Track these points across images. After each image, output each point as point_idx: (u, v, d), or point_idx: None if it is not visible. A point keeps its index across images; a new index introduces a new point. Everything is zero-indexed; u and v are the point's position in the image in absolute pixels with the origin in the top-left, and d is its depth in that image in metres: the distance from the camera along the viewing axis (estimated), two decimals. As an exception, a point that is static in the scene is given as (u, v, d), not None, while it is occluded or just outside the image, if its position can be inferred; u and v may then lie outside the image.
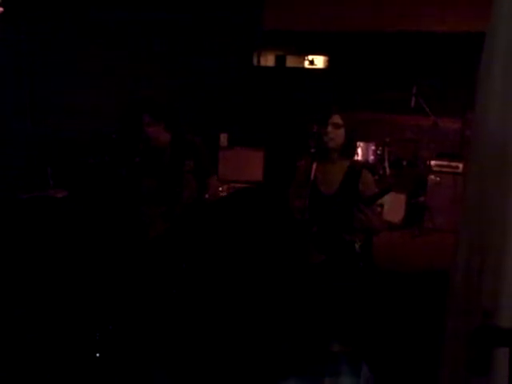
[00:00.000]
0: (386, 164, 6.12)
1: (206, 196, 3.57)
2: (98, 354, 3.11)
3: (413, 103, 6.12)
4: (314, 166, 2.98)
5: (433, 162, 6.04)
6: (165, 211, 3.46)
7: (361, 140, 6.00)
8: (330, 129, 3.00)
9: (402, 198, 6.00)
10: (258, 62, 7.93)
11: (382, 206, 5.52)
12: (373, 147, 6.18)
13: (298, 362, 2.42)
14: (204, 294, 3.64)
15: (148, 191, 3.58)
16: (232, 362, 3.02)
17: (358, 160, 5.71)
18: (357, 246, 3.01)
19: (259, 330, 3.07)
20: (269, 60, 8.06)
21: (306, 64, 7.84)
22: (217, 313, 3.54)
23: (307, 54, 7.81)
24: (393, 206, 5.82)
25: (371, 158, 6.19)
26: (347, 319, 2.84)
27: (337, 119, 3.02)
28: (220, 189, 4.56)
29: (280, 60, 8.00)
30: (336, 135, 3.01)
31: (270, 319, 3.08)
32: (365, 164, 5.76)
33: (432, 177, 6.01)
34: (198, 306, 3.52)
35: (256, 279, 3.69)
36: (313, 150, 3.00)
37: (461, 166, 5.72)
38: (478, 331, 1.79)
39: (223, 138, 6.89)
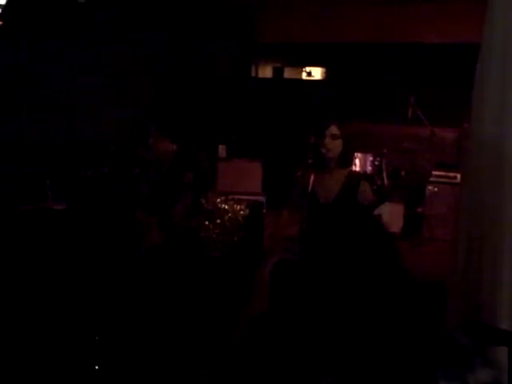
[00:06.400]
0: (384, 174, 6.12)
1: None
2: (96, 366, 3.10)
3: (410, 114, 6.15)
4: (312, 176, 3.00)
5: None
6: (160, 220, 3.46)
7: (358, 151, 6.01)
8: (327, 140, 3.02)
9: (401, 208, 6.01)
10: (256, 73, 7.96)
11: (380, 216, 5.52)
12: (370, 158, 6.18)
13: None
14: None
15: (144, 198, 3.58)
16: None
17: (355, 170, 5.72)
18: None
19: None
20: (266, 71, 8.10)
21: (304, 75, 7.89)
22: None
23: (305, 66, 7.86)
24: (391, 217, 5.82)
25: (369, 168, 6.19)
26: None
27: (334, 130, 3.04)
28: (218, 200, 4.55)
29: (278, 71, 8.04)
30: (333, 146, 3.03)
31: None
32: (363, 174, 5.77)
33: (430, 187, 6.02)
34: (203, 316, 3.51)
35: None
36: (310, 161, 3.02)
37: (459, 176, 5.73)
38: (466, 325, 1.80)
39: (221, 150, 6.89)
